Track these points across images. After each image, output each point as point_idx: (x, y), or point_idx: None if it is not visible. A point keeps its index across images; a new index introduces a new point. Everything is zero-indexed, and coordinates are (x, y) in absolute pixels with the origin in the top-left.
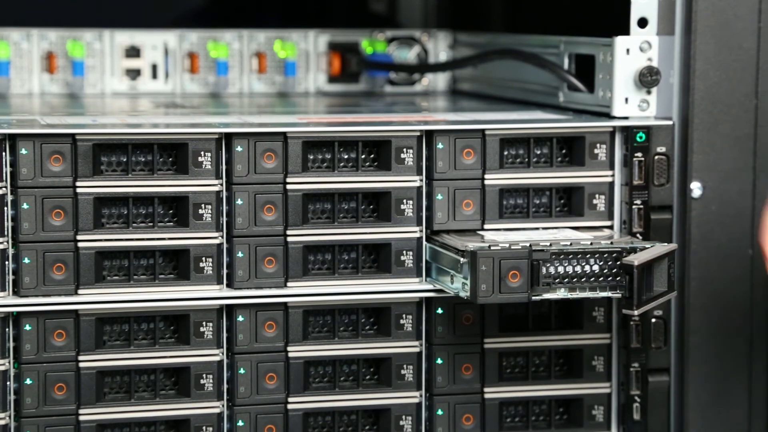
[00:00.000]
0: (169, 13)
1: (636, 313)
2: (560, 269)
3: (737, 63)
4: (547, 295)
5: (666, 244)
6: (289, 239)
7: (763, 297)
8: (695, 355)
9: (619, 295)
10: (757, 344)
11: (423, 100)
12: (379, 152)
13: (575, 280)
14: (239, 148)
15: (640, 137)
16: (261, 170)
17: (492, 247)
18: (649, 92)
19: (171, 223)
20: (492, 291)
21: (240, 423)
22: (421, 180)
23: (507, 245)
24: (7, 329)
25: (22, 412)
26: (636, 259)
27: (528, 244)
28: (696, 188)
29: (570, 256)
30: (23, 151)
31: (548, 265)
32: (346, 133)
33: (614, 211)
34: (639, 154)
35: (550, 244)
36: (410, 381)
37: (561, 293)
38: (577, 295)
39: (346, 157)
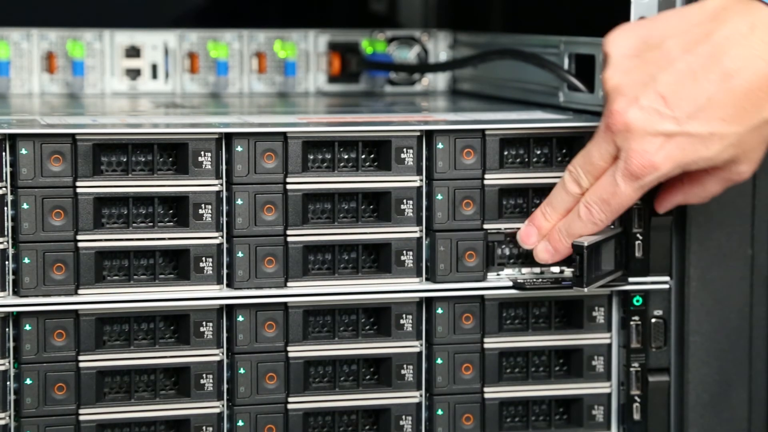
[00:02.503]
0: (169, 13)
1: (586, 290)
2: (514, 250)
3: None
4: (502, 273)
5: (612, 227)
6: (289, 239)
7: (763, 297)
8: (695, 355)
9: (569, 272)
10: (757, 344)
11: (423, 100)
12: (379, 152)
13: (529, 259)
14: (239, 148)
15: None
16: (261, 170)
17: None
18: None
19: (171, 223)
20: (450, 270)
21: (240, 423)
22: (421, 180)
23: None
24: (7, 329)
25: (22, 412)
26: (585, 240)
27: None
28: None
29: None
30: (23, 151)
31: (503, 246)
32: (346, 133)
33: None
34: None
35: (504, 227)
36: (410, 381)
37: (515, 272)
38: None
39: (346, 157)
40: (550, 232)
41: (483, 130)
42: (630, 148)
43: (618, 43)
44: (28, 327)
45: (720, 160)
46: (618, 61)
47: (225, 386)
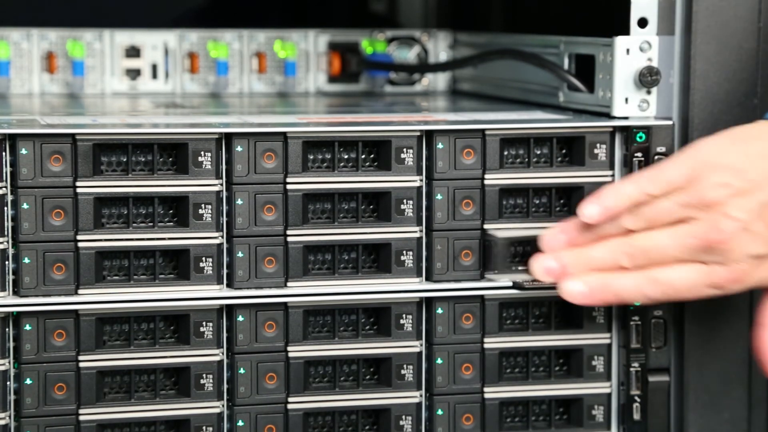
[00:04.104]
0: (169, 13)
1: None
2: (511, 249)
3: (737, 63)
4: (499, 274)
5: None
6: (289, 239)
7: None
8: (695, 355)
9: None
10: None
11: (423, 100)
12: (379, 152)
13: (526, 258)
14: (239, 148)
15: (640, 137)
16: (261, 170)
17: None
18: (649, 92)
19: (171, 223)
20: (446, 269)
21: (240, 423)
22: (421, 180)
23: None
24: (7, 329)
25: (22, 412)
26: (499, 232)
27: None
28: None
29: (520, 237)
30: (23, 151)
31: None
32: (346, 133)
33: None
34: (639, 154)
35: (504, 227)
36: (410, 381)
37: (511, 271)
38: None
39: (346, 157)
40: (591, 279)
41: (483, 130)
42: (725, 266)
43: (720, 155)
44: (28, 327)
45: None
46: (725, 175)
47: (225, 386)
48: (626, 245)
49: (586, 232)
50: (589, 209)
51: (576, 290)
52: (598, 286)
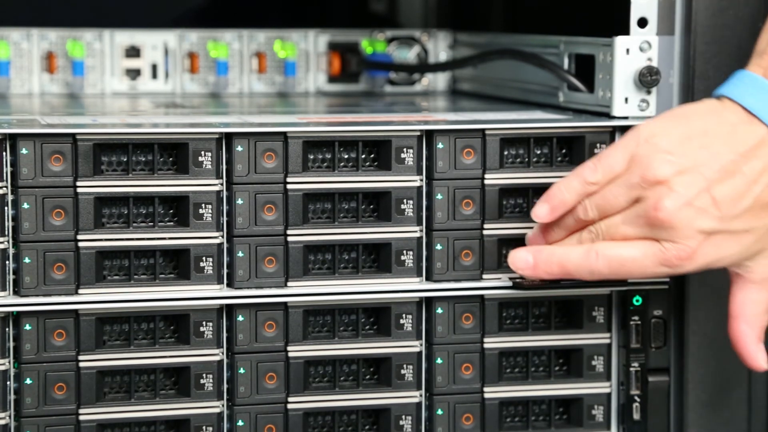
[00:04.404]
0: (169, 13)
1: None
2: (510, 249)
3: (737, 63)
4: (498, 274)
5: None
6: (290, 239)
7: None
8: (695, 355)
9: None
10: None
11: (423, 100)
12: (379, 152)
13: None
14: (239, 148)
15: None
16: (261, 170)
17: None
18: (649, 92)
19: (171, 223)
20: (446, 269)
21: (240, 423)
22: (421, 180)
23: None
24: (7, 329)
25: (22, 412)
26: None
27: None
28: None
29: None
30: (24, 151)
31: (498, 245)
32: (346, 133)
33: None
34: None
35: (504, 227)
36: (410, 381)
37: (511, 271)
38: None
39: (346, 156)
40: (539, 250)
41: (483, 130)
42: (672, 243)
43: (662, 134)
44: (28, 327)
45: (744, 257)
46: (668, 152)
47: (225, 386)
48: (587, 231)
49: (557, 228)
50: (538, 210)
51: (522, 259)
52: (543, 258)
